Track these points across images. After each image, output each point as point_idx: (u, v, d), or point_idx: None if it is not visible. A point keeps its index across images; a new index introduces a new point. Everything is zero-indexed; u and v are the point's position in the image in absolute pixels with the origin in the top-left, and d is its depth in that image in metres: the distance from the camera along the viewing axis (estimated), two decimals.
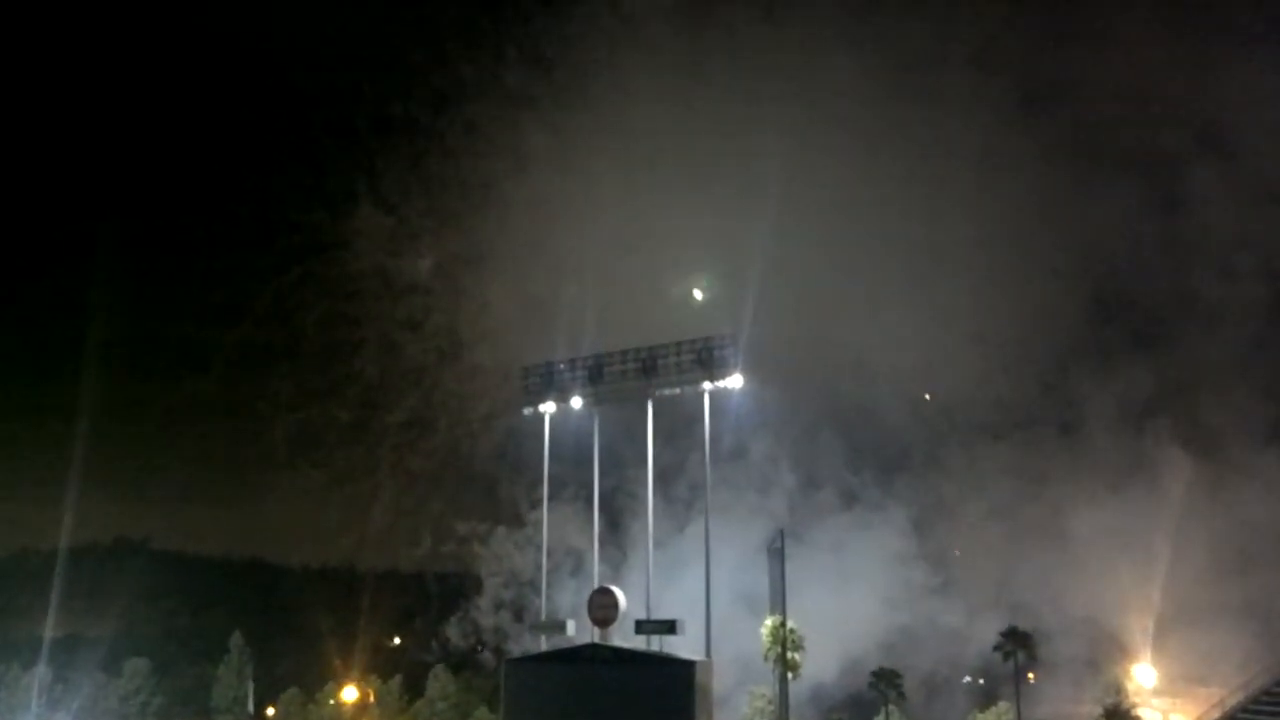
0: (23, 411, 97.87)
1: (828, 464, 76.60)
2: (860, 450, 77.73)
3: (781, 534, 59.80)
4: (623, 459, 63.13)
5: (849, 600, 67.81)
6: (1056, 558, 69.10)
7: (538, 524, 63.66)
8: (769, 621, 56.94)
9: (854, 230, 77.27)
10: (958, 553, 74.29)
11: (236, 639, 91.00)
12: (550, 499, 62.23)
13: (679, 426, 61.99)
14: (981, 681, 73.96)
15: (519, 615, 61.59)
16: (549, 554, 62.23)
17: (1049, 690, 69.55)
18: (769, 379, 65.06)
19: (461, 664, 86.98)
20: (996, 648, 67.67)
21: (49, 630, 65.35)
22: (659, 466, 60.12)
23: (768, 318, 66.58)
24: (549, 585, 61.61)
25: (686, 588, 58.75)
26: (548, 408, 61.77)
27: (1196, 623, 64.33)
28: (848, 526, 74.31)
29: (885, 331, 74.87)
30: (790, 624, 56.22)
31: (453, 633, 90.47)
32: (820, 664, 61.32)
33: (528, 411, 62.59)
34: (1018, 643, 65.38)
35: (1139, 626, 67.80)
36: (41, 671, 64.09)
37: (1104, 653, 68.40)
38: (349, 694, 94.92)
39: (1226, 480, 68.00)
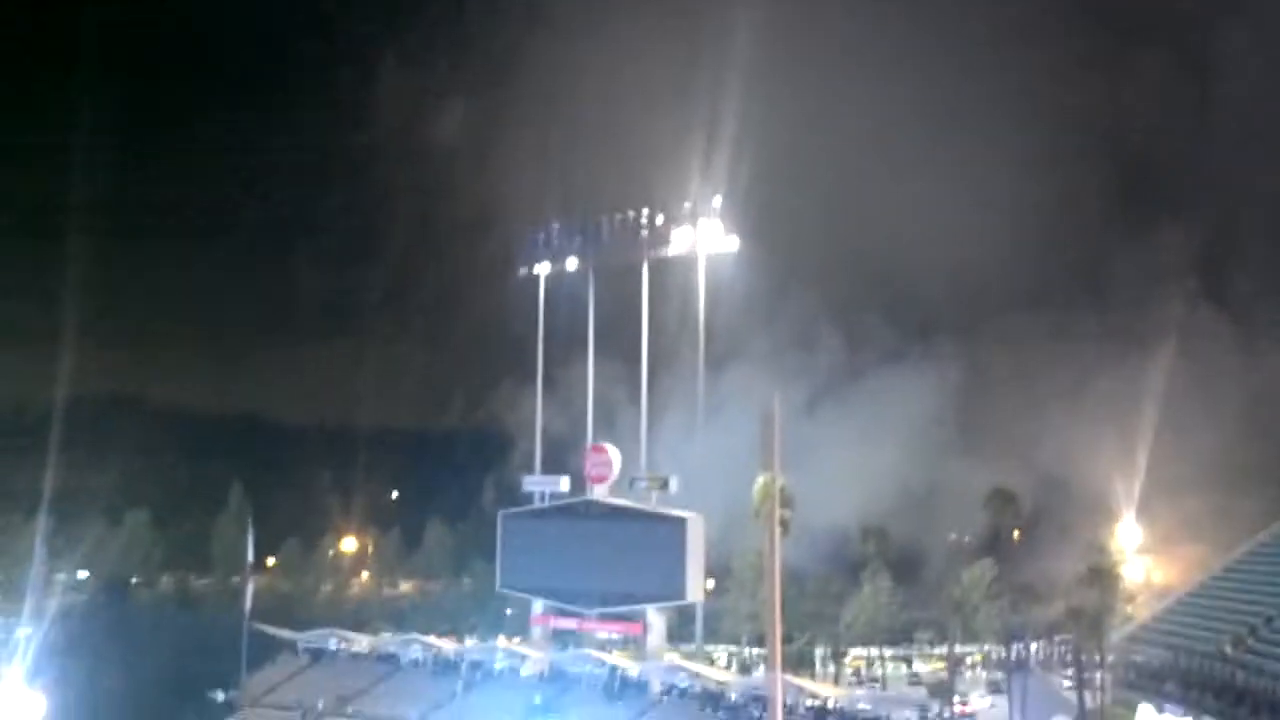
0: (24, 262, 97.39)
1: (850, 328, 76.46)
2: (879, 314, 77.53)
3: (776, 396, 60.10)
4: (659, 323, 62.90)
5: (852, 462, 68.47)
6: (1070, 421, 69.33)
7: (552, 384, 64.12)
8: (760, 479, 57.81)
9: (880, 95, 75.99)
10: (973, 416, 74.39)
11: (236, 491, 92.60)
12: (567, 361, 62.47)
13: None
14: (968, 539, 75.50)
15: (518, 472, 62.40)
16: (560, 413, 62.75)
17: (1038, 549, 70.81)
18: (791, 242, 64.70)
19: (459, 517, 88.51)
20: (985, 506, 68.81)
21: (49, 481, 66.23)
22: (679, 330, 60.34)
23: (792, 182, 65.85)
24: (554, 444, 62.26)
25: (696, 447, 59.29)
26: (543, 269, 61.79)
27: (1204, 486, 64.82)
28: (864, 388, 74.49)
29: (915, 200, 74.06)
30: (782, 482, 57.02)
31: (454, 488, 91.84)
32: (819, 523, 62.21)
33: (523, 272, 62.61)
34: (1004, 502, 66.57)
35: (1134, 489, 68.59)
36: (43, 521, 65.20)
37: (1101, 514, 69.29)
38: (348, 544, 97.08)
39: (1256, 347, 67.92)
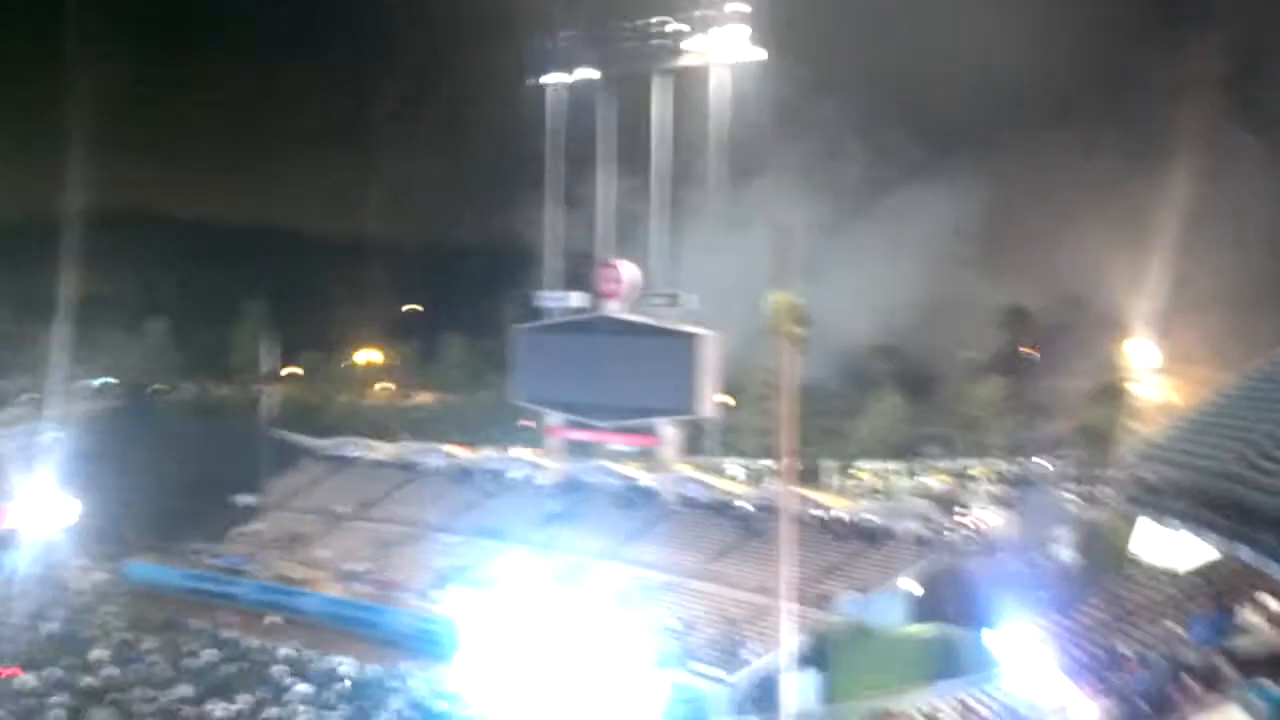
0: (41, 75, 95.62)
1: (873, 142, 74.62)
2: (904, 127, 75.44)
3: (791, 211, 59.44)
4: (677, 137, 61.61)
5: (870, 278, 67.86)
6: (1092, 238, 68.16)
7: (570, 200, 63.31)
8: (775, 296, 57.66)
9: None
10: (994, 232, 73.15)
11: (255, 302, 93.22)
12: (588, 176, 61.43)
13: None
14: (981, 356, 75.78)
15: (535, 287, 62.30)
16: (579, 229, 62.10)
17: (1051, 367, 70.92)
18: (815, 53, 62.61)
19: (476, 331, 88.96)
20: (1000, 324, 68.95)
21: (71, 291, 66.70)
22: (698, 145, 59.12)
23: None
24: (572, 260, 61.81)
25: (712, 264, 58.77)
26: (559, 78, 60.31)
27: (1225, 306, 64.03)
28: (886, 204, 73.19)
29: (941, 8, 71.22)
30: (797, 299, 56.93)
31: (471, 302, 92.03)
32: (833, 340, 62.15)
33: (537, 82, 61.11)
34: (1019, 319, 66.58)
35: (1154, 307, 67.96)
36: (65, 330, 65.90)
37: (1118, 332, 68.88)
38: (366, 356, 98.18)
39: None
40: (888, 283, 65.88)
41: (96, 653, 45.88)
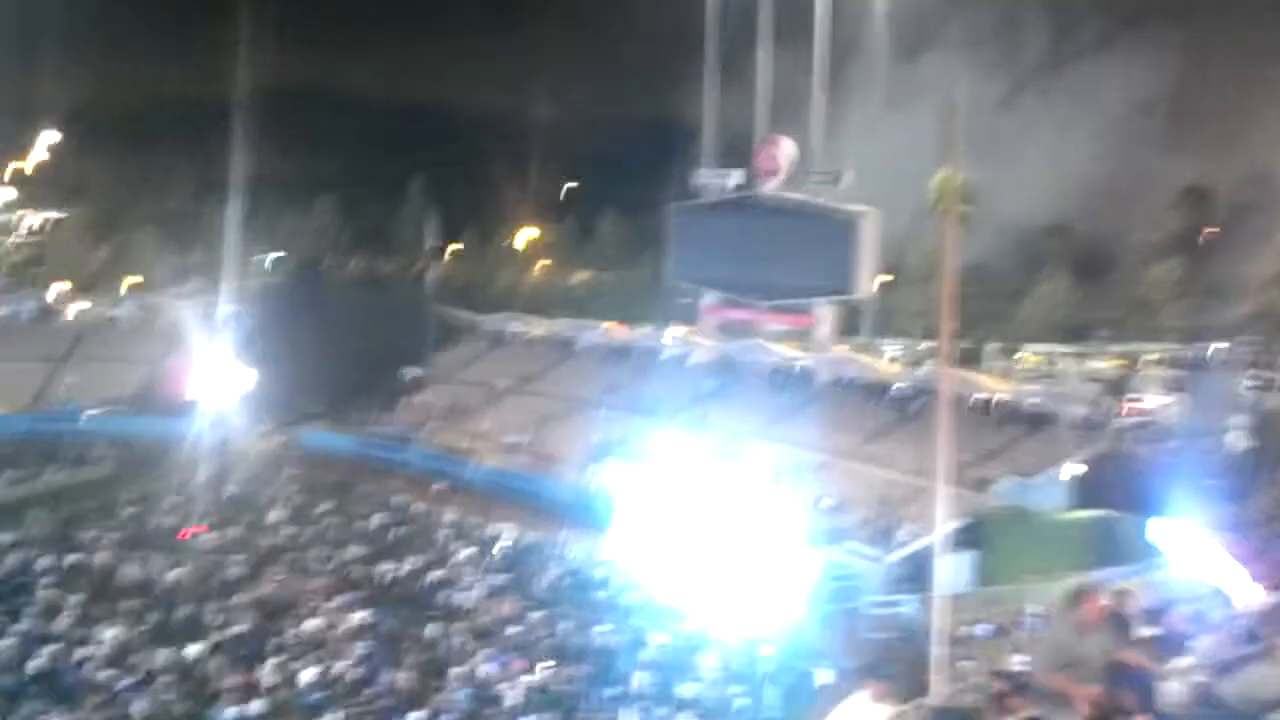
0: None
1: (1055, 12, 70.90)
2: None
3: (960, 85, 57.01)
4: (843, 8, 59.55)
5: (1043, 155, 65.14)
6: None
7: (730, 75, 62.09)
8: (940, 173, 55.85)
9: None
10: (1179, 109, 69.11)
11: (417, 179, 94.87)
12: (748, 50, 59.92)
13: None
14: (1157, 238, 72.40)
15: (693, 165, 61.62)
16: (739, 106, 60.80)
17: (1231, 250, 67.33)
18: None
19: (633, 210, 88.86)
20: (1178, 204, 65.55)
21: (241, 169, 68.86)
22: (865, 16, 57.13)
23: None
24: (731, 137, 60.73)
25: (877, 141, 57.08)
26: None
27: None
28: (1065, 78, 69.89)
29: None
30: (963, 176, 54.98)
31: (629, 180, 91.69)
32: (1002, 219, 60.09)
33: None
34: (1199, 199, 63.21)
35: None
36: (237, 206, 68.29)
37: None
38: (525, 234, 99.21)
39: None
40: (1062, 159, 63.24)
41: (274, 514, 48.41)
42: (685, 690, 32.38)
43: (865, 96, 58.82)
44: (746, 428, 54.00)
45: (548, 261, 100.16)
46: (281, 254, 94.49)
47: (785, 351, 58.98)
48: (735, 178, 58.79)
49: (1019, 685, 13.75)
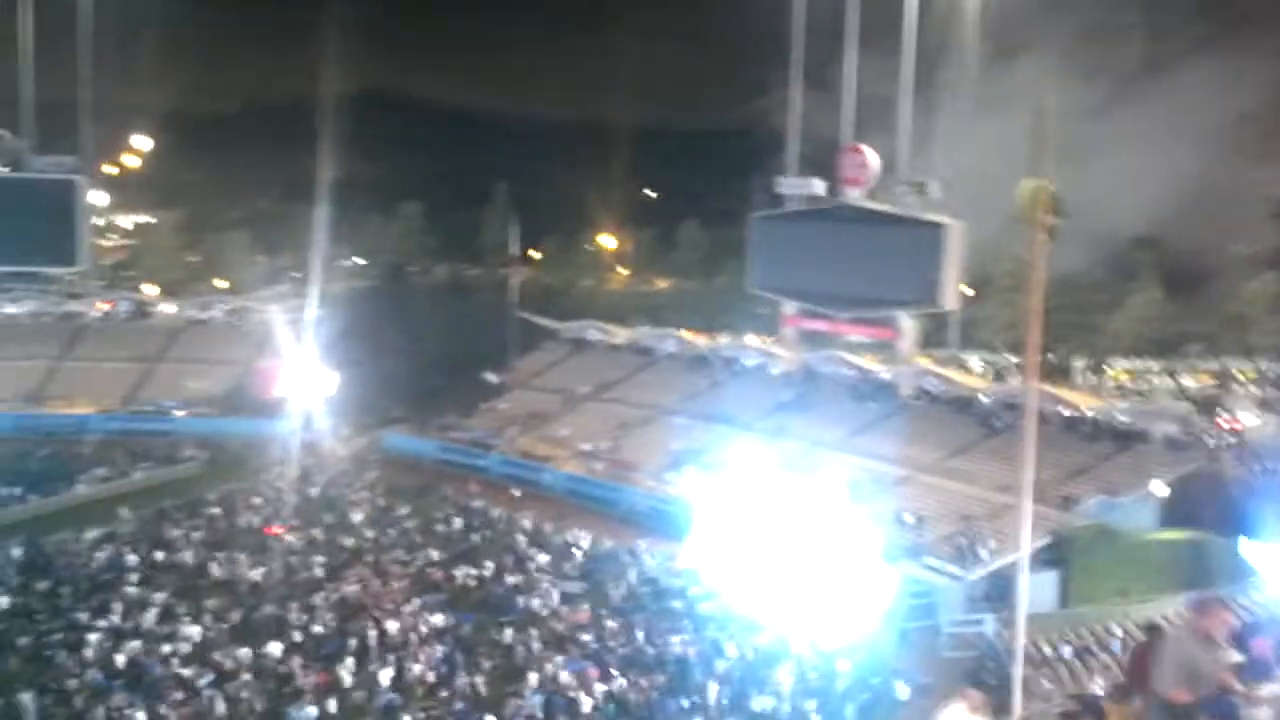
0: None
1: (1152, 14, 69.08)
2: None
3: (1052, 94, 56.03)
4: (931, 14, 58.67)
5: (1137, 165, 63.52)
6: None
7: (813, 84, 61.51)
8: (1028, 183, 54.78)
9: None
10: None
11: (503, 186, 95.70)
12: (832, 59, 59.32)
13: None
14: (1255, 251, 70.45)
15: (775, 174, 61.09)
16: (822, 114, 60.18)
17: None
18: None
19: (715, 218, 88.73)
20: (1273, 217, 63.62)
21: (327, 173, 70.01)
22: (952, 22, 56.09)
23: None
24: (813, 146, 60.19)
25: (964, 150, 56.21)
26: None
27: None
28: (1162, 83, 68.10)
29: None
30: (1053, 186, 53.89)
31: (711, 188, 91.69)
32: (1092, 230, 58.70)
33: None
34: None
35: None
36: (323, 211, 69.41)
37: None
38: (606, 241, 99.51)
39: None
40: (1156, 169, 61.67)
41: (355, 516, 48.99)
42: (760, 703, 32.07)
43: (954, 103, 57.96)
44: (826, 439, 53.55)
45: (628, 269, 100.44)
46: (366, 259, 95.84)
47: (866, 363, 58.37)
48: (818, 187, 58.40)
49: (1093, 709, 13.35)
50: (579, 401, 65.67)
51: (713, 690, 32.70)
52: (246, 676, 32.98)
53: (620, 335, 71.84)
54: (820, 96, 66.66)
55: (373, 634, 36.20)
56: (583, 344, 72.47)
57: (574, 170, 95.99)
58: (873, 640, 34.84)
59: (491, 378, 69.93)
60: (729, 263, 75.65)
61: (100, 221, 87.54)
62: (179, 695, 31.72)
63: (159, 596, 38.55)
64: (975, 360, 65.18)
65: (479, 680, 33.29)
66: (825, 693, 32.82)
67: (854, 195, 56.69)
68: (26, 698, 31.07)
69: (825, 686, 33.24)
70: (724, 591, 38.63)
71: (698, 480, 50.17)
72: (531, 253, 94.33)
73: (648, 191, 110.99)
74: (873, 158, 55.93)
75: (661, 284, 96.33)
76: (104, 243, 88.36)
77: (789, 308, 58.44)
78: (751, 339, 65.57)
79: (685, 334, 69.99)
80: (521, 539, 47.01)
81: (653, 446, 58.01)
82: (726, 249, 77.02)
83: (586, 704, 31.98)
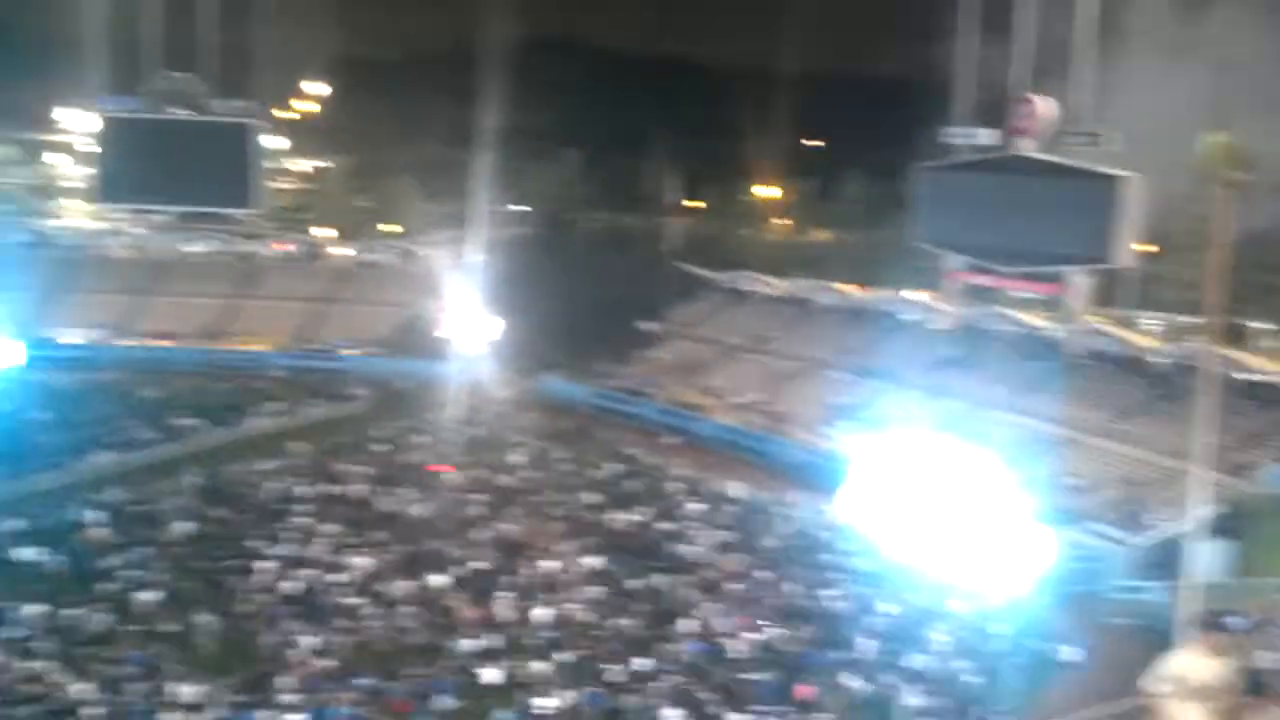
0: None
1: None
2: None
3: (1241, 42, 53.02)
4: None
5: None
6: None
7: (983, 30, 59.49)
8: (1211, 136, 52.10)
9: None
10: None
11: (663, 135, 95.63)
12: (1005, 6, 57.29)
13: None
14: None
15: (941, 124, 59.33)
16: (991, 62, 58.26)
17: None
18: None
19: (878, 169, 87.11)
20: None
21: (490, 120, 71.11)
22: None
23: None
24: (982, 94, 58.32)
25: (1146, 100, 53.57)
26: None
27: None
28: None
29: None
30: (1238, 140, 51.26)
31: (874, 138, 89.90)
32: None
33: None
34: None
35: None
36: (487, 157, 70.59)
37: None
38: (767, 191, 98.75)
39: None
40: None
41: (513, 457, 50.12)
42: (913, 661, 31.82)
43: (1139, 50, 55.31)
44: (987, 398, 52.26)
45: (788, 220, 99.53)
46: (529, 205, 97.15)
47: (1033, 320, 56.65)
48: (986, 137, 56.62)
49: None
50: (734, 352, 65.64)
51: (863, 645, 32.56)
52: (409, 608, 34.23)
53: (778, 286, 71.31)
54: (992, 43, 64.60)
55: (528, 573, 37.14)
56: (739, 295, 72.24)
57: (737, 119, 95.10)
58: (1030, 603, 34.19)
59: (648, 326, 70.35)
60: (891, 215, 74.23)
61: (276, 165, 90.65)
62: (345, 623, 33.14)
63: (327, 528, 40.19)
64: (1150, 320, 62.57)
65: (630, 623, 33.83)
66: (980, 653, 32.34)
67: (1025, 146, 55.04)
68: (204, 619, 32.88)
69: (980, 647, 32.75)
70: (878, 547, 38.43)
71: (853, 435, 49.76)
72: (691, 202, 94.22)
73: (811, 141, 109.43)
74: (1046, 107, 54.13)
75: (821, 235, 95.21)
76: (279, 186, 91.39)
77: (953, 261, 57.23)
78: (912, 293, 64.24)
79: (843, 286, 69.08)
80: (673, 487, 47.42)
81: (808, 400, 57.73)
82: (889, 201, 75.56)
83: (736, 651, 32.24)
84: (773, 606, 35.26)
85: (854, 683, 30.44)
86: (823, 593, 36.33)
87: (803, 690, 30.05)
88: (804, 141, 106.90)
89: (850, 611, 35.07)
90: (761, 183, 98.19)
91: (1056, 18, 58.45)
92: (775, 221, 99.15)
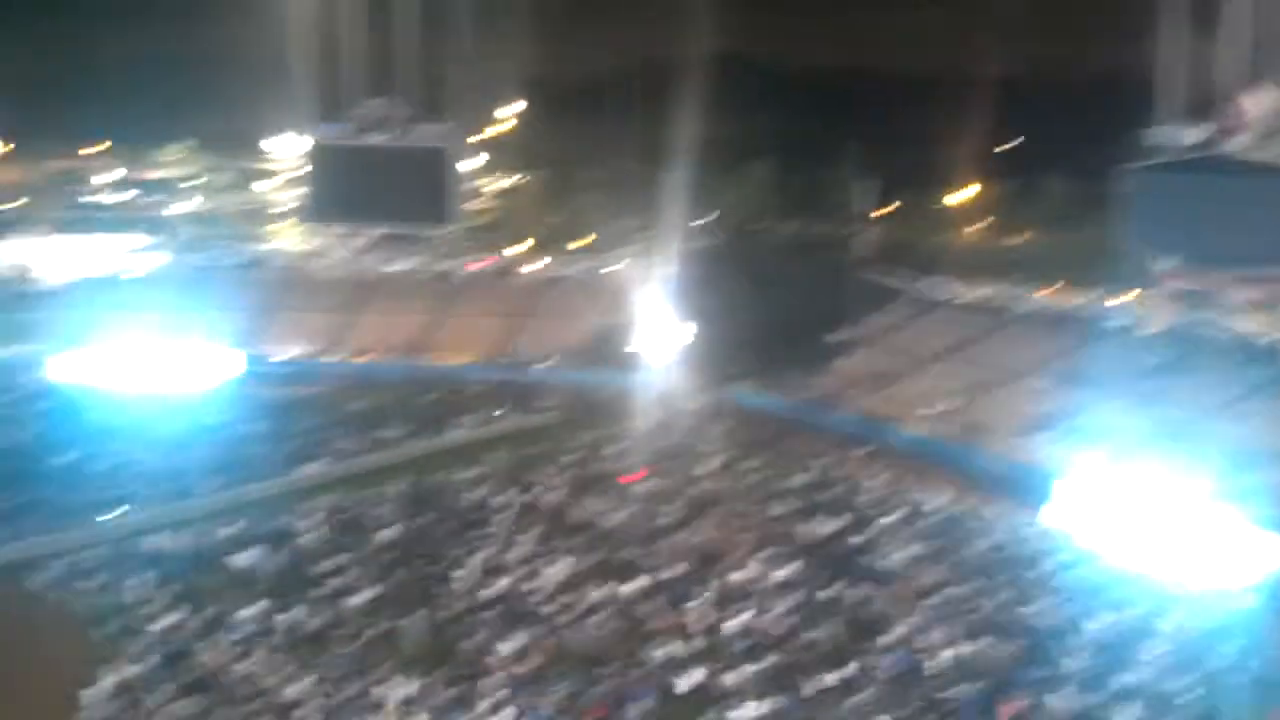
0: None
1: None
2: None
3: None
4: None
5: None
6: None
7: (1196, 26, 56.69)
8: None
9: None
10: None
11: (850, 143, 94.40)
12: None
13: None
14: None
15: (1147, 124, 56.78)
16: (1202, 60, 55.55)
17: None
18: None
19: (1080, 170, 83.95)
20: None
21: (677, 134, 71.69)
22: None
23: None
24: (1193, 93, 55.63)
25: None
26: None
27: None
28: None
29: None
30: None
31: (1075, 139, 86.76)
32: None
33: None
34: None
35: None
36: (676, 171, 71.13)
37: None
38: (961, 195, 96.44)
39: None
40: None
41: (705, 466, 50.13)
42: (1126, 678, 30.37)
43: None
44: (1200, 406, 49.65)
45: (984, 223, 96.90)
46: (716, 217, 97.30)
47: (1252, 325, 53.56)
48: (1193, 136, 54.00)
49: None
50: (928, 361, 64.17)
51: (1071, 662, 31.29)
52: (603, 615, 34.61)
53: (973, 293, 69.46)
54: (1199, 41, 61.53)
55: (722, 581, 37.06)
56: (932, 303, 70.67)
57: (927, 123, 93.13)
58: (1254, 616, 32.33)
59: (839, 336, 69.51)
60: (1095, 216, 71.44)
61: (470, 184, 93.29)
62: (542, 628, 33.74)
63: (526, 535, 41.02)
64: None
65: (826, 635, 33.39)
66: (1199, 670, 30.60)
67: (1236, 144, 52.13)
68: (411, 622, 33.99)
69: (1199, 663, 31.00)
70: (1089, 559, 37.00)
71: (1056, 446, 48.04)
72: (882, 209, 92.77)
73: (1006, 145, 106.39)
74: (1257, 104, 51.16)
75: (1020, 238, 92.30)
76: (474, 206, 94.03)
77: (1164, 263, 54.56)
78: (1118, 297, 61.62)
79: (1044, 292, 66.82)
80: (867, 498, 46.59)
81: (1008, 409, 55.86)
82: (1091, 202, 72.79)
83: (936, 666, 31.43)
84: (974, 620, 34.21)
85: (1062, 701, 29.28)
86: (1028, 606, 35.03)
87: (1008, 708, 29.05)
88: (1001, 142, 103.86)
89: (1058, 626, 33.70)
90: (956, 186, 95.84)
91: (1270, 11, 55.17)
92: (970, 226, 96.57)
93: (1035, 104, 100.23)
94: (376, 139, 76.54)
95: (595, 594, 35.97)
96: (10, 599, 37.45)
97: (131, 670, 31.41)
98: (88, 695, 30.15)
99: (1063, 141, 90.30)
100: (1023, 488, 45.39)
